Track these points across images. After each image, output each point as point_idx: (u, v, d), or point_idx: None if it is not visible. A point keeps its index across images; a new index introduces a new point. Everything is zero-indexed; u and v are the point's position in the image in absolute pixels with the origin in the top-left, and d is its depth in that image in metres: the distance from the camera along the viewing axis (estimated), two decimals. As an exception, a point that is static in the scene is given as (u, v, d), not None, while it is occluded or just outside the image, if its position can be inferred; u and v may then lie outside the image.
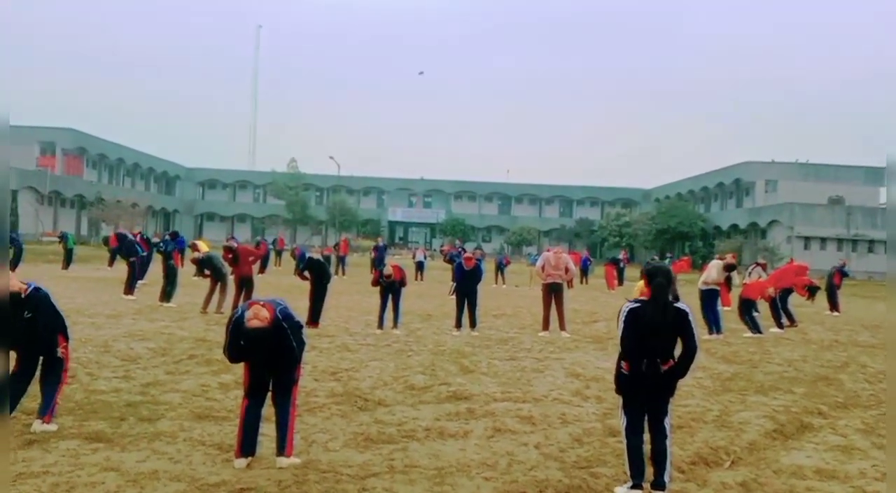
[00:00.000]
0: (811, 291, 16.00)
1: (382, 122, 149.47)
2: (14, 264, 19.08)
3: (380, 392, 7.43)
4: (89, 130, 63.82)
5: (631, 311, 4.77)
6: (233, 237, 22.28)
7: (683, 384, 8.55)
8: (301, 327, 5.15)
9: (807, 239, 51.29)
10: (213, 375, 7.91)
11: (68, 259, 24.36)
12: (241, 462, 4.88)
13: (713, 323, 12.70)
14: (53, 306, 5.59)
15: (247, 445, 4.94)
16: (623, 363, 4.79)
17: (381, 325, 11.98)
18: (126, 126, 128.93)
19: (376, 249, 30.11)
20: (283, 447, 5.00)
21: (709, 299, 12.86)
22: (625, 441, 4.78)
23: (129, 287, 15.32)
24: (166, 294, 14.20)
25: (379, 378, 8.09)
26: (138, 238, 18.08)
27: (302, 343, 5.13)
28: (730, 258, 13.77)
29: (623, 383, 4.83)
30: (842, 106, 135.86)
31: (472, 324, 12.24)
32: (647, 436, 4.78)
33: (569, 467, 5.22)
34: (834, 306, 19.28)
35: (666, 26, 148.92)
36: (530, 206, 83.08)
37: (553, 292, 12.41)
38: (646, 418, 4.76)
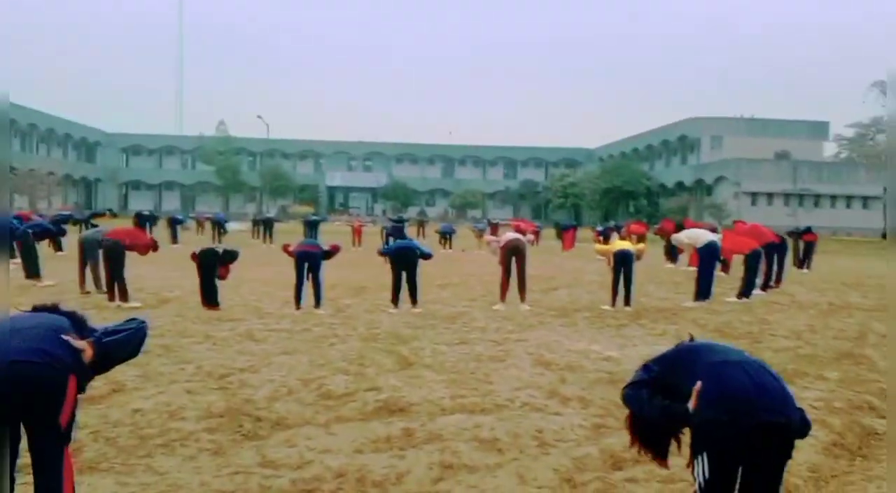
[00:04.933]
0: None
1: (319, 85, 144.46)
2: None
3: (280, 405, 5.26)
4: (-5, 93, 58.44)
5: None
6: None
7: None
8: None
9: (754, 195, 50.73)
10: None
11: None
12: None
13: (705, 288, 10.86)
14: None
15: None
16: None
17: (298, 303, 9.74)
18: (39, 90, 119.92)
19: (307, 223, 28.16)
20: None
21: (711, 258, 10.94)
22: None
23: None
24: (33, 270, 11.74)
25: (283, 382, 5.90)
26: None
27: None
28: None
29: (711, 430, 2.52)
30: (778, 58, 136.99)
31: (413, 299, 10.10)
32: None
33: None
34: (807, 263, 18.09)
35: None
36: (474, 168, 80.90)
37: (514, 255, 10.37)
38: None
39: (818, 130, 57.02)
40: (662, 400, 2.71)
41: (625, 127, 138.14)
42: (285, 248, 10.19)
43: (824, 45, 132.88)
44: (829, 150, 59.67)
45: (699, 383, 2.58)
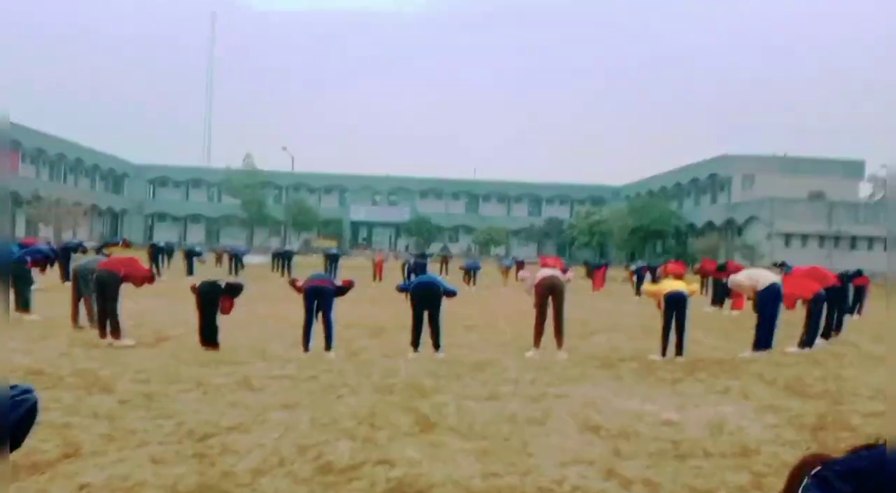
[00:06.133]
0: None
1: (347, 120, 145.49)
2: None
3: (267, 482, 4.18)
4: (25, 122, 58.91)
5: None
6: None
7: (761, 441, 5.52)
8: None
9: (787, 236, 48.99)
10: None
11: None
12: None
13: (765, 336, 9.63)
14: None
15: None
16: None
17: (306, 345, 8.71)
18: (69, 120, 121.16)
19: (327, 256, 27.52)
20: None
21: (773, 302, 9.72)
22: None
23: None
24: (23, 302, 10.89)
25: (275, 448, 4.82)
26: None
27: None
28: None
29: None
30: (816, 103, 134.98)
31: (436, 344, 9.01)
32: None
33: None
34: (859, 309, 16.77)
35: (629, 26, 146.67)
36: (498, 204, 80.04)
37: (550, 294, 9.29)
38: None
39: (853, 169, 55.32)
40: None
41: (651, 165, 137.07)
42: (293, 283, 9.21)
43: (857, 81, 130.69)
44: (866, 190, 57.96)
45: None
